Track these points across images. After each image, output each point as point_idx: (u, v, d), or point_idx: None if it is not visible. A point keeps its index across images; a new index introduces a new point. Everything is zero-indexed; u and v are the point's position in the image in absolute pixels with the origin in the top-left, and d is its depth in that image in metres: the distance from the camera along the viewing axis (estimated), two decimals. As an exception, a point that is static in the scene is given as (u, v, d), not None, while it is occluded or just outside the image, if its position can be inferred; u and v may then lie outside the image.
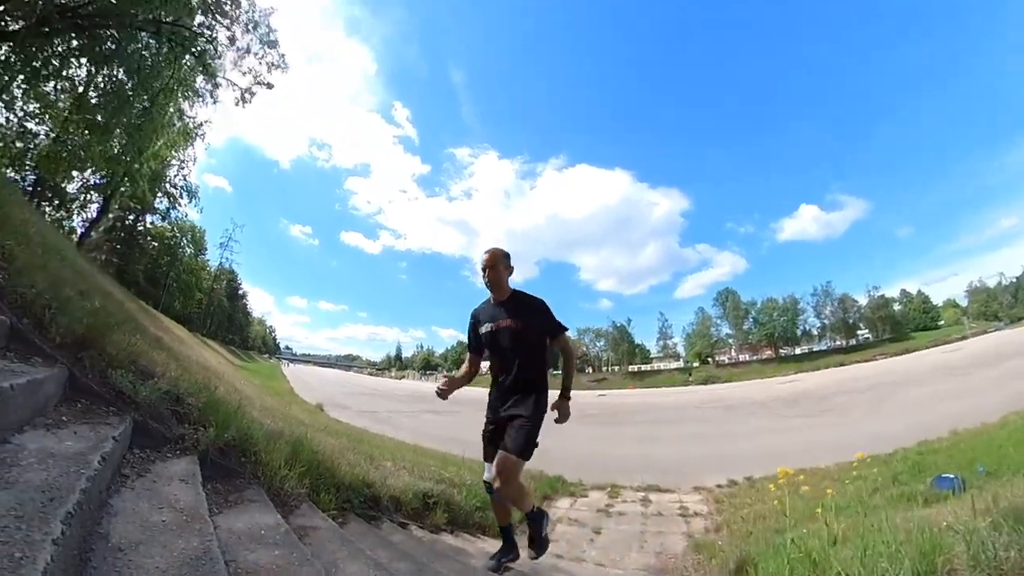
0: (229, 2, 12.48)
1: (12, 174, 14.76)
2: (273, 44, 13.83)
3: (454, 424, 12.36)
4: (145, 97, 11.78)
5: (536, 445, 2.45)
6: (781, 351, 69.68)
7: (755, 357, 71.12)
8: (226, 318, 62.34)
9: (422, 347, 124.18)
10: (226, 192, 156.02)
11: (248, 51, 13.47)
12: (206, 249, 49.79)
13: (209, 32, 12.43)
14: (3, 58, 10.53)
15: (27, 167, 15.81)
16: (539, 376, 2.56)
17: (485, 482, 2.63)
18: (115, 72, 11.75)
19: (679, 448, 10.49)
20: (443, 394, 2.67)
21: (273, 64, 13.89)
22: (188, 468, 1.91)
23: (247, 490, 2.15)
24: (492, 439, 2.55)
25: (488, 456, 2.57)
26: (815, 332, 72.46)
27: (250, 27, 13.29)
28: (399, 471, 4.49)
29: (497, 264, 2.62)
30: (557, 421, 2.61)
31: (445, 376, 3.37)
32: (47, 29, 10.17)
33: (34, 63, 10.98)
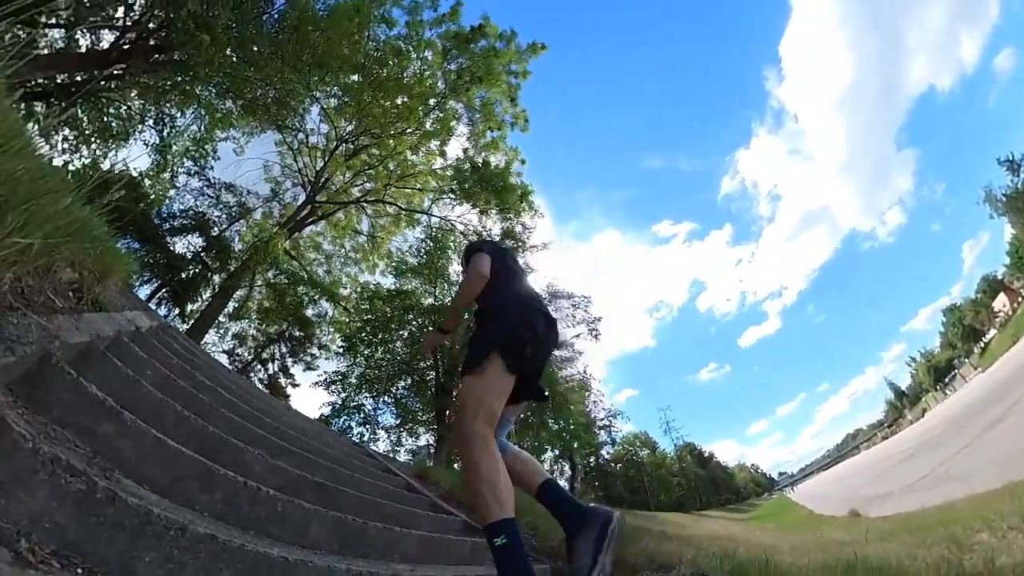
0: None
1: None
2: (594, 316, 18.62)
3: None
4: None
5: (483, 358, 1.70)
6: None
7: None
8: (709, 484, 63.66)
9: (913, 359, 70.41)
10: (634, 396, 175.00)
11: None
12: (656, 446, 57.12)
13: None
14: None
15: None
16: (482, 307, 1.91)
17: None
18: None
19: None
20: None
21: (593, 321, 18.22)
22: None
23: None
24: None
25: None
26: None
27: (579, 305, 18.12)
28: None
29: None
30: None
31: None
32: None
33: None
